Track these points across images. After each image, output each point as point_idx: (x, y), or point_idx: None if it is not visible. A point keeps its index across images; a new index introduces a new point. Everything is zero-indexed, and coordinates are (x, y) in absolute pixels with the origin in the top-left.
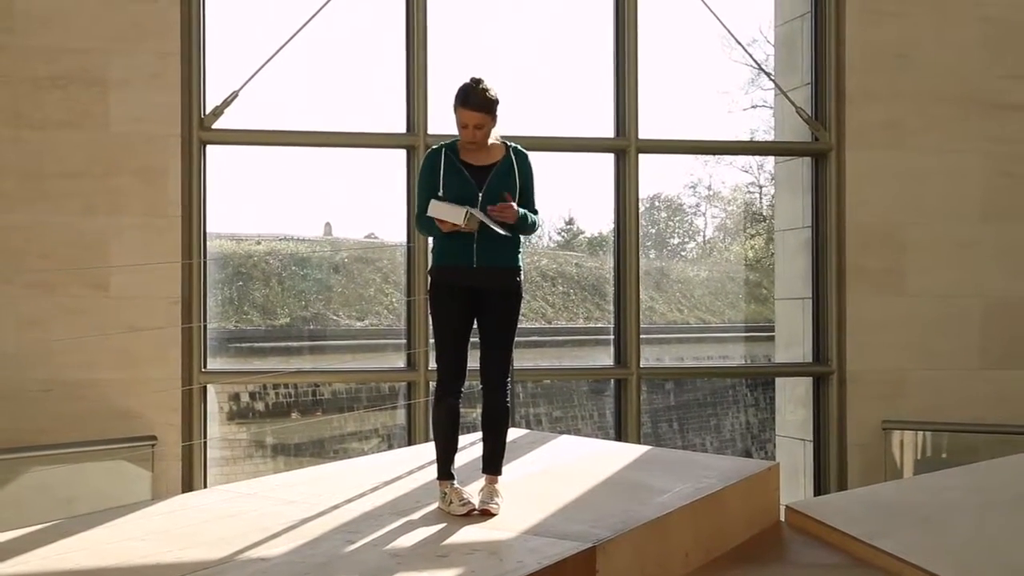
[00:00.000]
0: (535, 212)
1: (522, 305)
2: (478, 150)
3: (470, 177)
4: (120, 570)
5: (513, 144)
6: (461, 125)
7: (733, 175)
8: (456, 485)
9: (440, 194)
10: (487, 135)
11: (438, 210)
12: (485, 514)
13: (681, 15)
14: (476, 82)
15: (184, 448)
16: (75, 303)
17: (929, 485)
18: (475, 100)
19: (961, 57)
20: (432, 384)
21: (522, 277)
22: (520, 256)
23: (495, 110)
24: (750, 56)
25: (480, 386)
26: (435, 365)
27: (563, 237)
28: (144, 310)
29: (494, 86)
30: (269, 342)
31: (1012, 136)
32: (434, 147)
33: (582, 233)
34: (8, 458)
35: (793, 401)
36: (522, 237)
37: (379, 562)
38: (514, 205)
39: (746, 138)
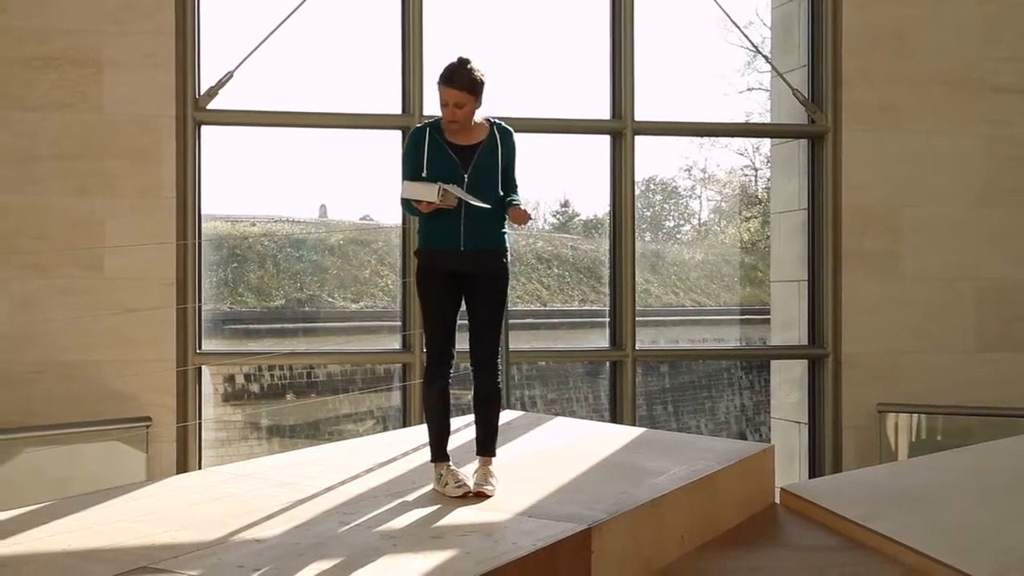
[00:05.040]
0: (515, 188)
1: (518, 287)
2: (462, 130)
3: (455, 157)
4: (114, 551)
5: (497, 121)
6: (443, 103)
7: (728, 158)
8: (451, 466)
9: (424, 175)
10: (468, 115)
11: (411, 190)
12: (480, 496)
13: None
14: (463, 62)
15: (179, 429)
16: (69, 284)
17: (924, 467)
18: (458, 79)
19: (959, 39)
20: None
21: (509, 257)
22: (506, 236)
23: (479, 91)
24: (747, 38)
25: (471, 368)
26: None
27: (558, 219)
28: (139, 291)
29: (482, 68)
30: (264, 324)
31: (1010, 119)
32: (418, 126)
33: (577, 215)
34: (1, 439)
35: (788, 383)
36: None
37: (374, 543)
38: (522, 210)
39: (741, 120)
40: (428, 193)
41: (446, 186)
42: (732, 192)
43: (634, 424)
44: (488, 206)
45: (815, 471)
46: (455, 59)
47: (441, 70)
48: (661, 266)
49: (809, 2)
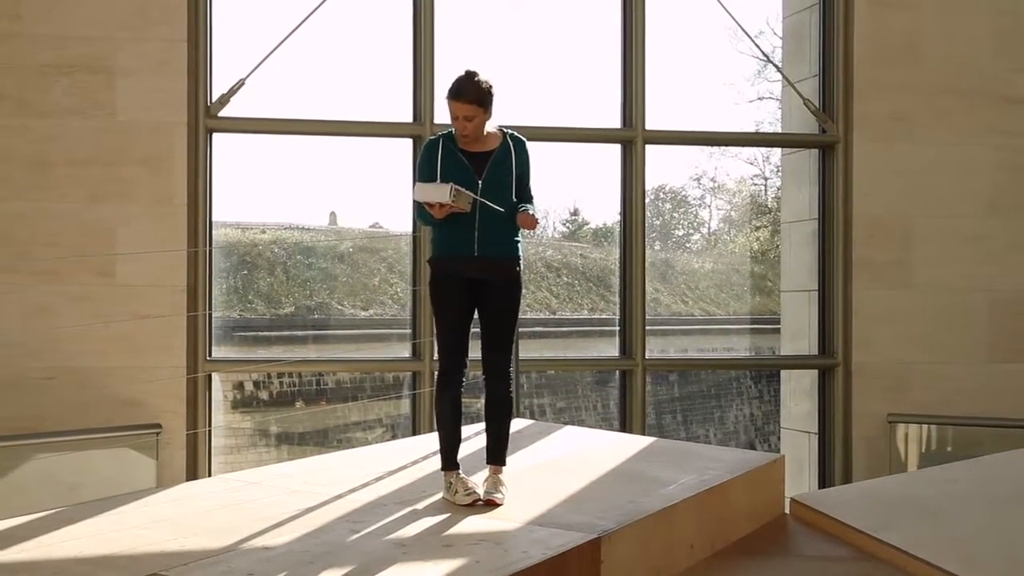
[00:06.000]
0: (531, 199)
1: (527, 295)
2: (474, 140)
3: (469, 165)
4: (124, 558)
5: (510, 131)
6: (453, 117)
7: (738, 167)
8: (461, 475)
9: (438, 181)
10: (479, 127)
11: (423, 193)
12: (490, 504)
13: (689, 6)
14: (470, 75)
15: (189, 436)
16: (81, 291)
17: (934, 478)
18: (467, 92)
19: (970, 49)
20: (436, 374)
21: (522, 266)
22: (520, 245)
23: (488, 102)
24: (758, 47)
25: (483, 377)
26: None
27: (568, 228)
28: (150, 298)
29: (489, 79)
30: (274, 331)
31: (1021, 129)
32: (431, 137)
33: (587, 224)
34: (13, 445)
35: (798, 393)
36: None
37: (384, 551)
38: (530, 215)
39: (751, 130)
40: (440, 194)
41: (457, 187)
42: (742, 201)
43: (643, 433)
44: (501, 209)
45: (825, 481)
46: (462, 73)
47: (449, 85)
48: (671, 275)
49: (821, 12)
